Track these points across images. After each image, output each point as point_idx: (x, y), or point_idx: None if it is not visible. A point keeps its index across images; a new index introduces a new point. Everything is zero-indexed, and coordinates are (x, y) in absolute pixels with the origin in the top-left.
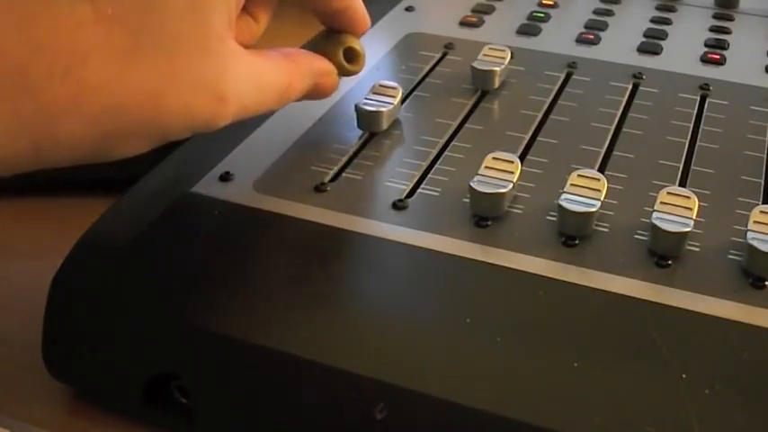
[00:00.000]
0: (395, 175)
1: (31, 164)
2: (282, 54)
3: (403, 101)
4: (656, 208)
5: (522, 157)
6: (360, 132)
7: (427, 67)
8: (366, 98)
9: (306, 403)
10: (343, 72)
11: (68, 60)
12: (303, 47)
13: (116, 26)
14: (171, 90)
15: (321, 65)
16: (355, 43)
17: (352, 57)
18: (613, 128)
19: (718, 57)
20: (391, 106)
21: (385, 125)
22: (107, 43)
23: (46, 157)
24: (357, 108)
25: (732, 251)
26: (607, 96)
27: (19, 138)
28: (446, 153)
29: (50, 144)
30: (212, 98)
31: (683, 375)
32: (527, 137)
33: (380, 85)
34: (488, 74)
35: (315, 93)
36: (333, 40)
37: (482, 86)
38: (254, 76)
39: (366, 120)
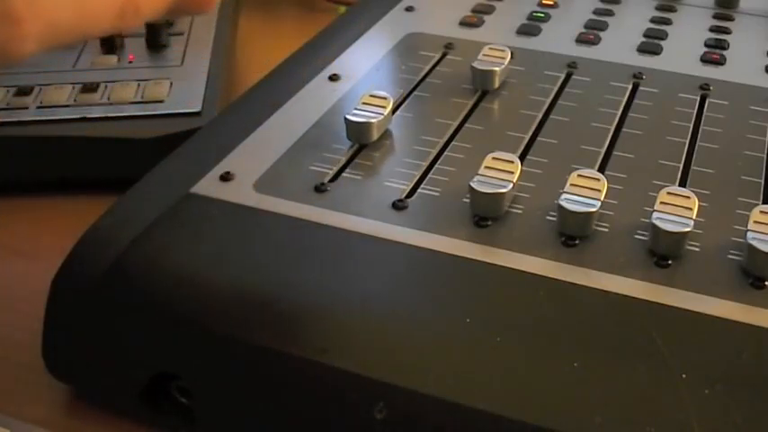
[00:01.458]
0: (395, 175)
1: None
2: None
3: (403, 101)
4: (656, 208)
5: (522, 157)
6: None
7: (427, 67)
8: (355, 109)
9: (306, 403)
10: None
11: None
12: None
13: None
14: None
15: None
16: None
17: None
18: (613, 128)
19: (718, 57)
20: (381, 117)
21: (375, 136)
22: None
23: None
24: (346, 119)
25: (732, 251)
26: (607, 96)
27: None
28: (446, 153)
29: None
30: (1, 19)
31: (683, 375)
32: (527, 137)
33: (371, 96)
34: (488, 74)
35: (184, 5)
36: None
37: (482, 86)
38: None
39: (355, 131)
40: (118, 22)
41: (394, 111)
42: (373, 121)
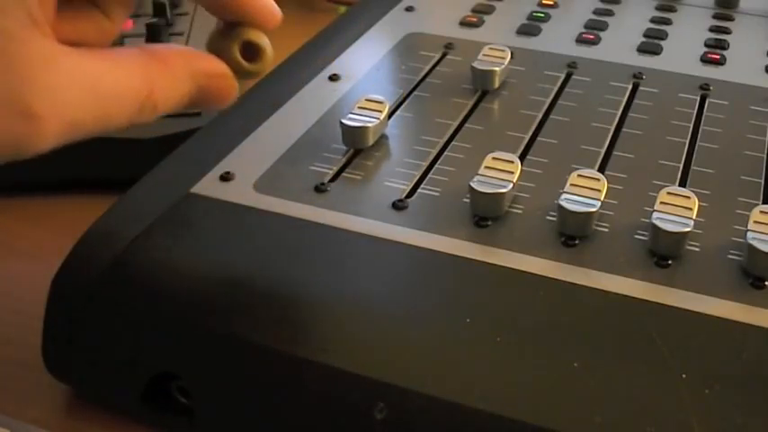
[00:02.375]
0: (395, 175)
1: None
2: (144, 53)
3: (403, 101)
4: (656, 208)
5: (522, 157)
6: None
7: (427, 67)
8: (351, 113)
9: (306, 403)
10: (242, 72)
11: None
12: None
13: None
14: None
15: (206, 65)
16: (257, 36)
17: (254, 53)
18: (613, 128)
19: (718, 57)
20: (377, 121)
21: (371, 141)
22: None
23: None
24: (341, 124)
25: (732, 251)
26: (607, 96)
27: None
28: (446, 153)
29: None
30: (15, 115)
31: (683, 375)
32: (527, 137)
33: (366, 100)
34: (488, 74)
35: (203, 99)
36: (227, 34)
37: (482, 86)
38: (86, 82)
39: (350, 136)
40: (136, 117)
41: (394, 111)
42: (369, 125)
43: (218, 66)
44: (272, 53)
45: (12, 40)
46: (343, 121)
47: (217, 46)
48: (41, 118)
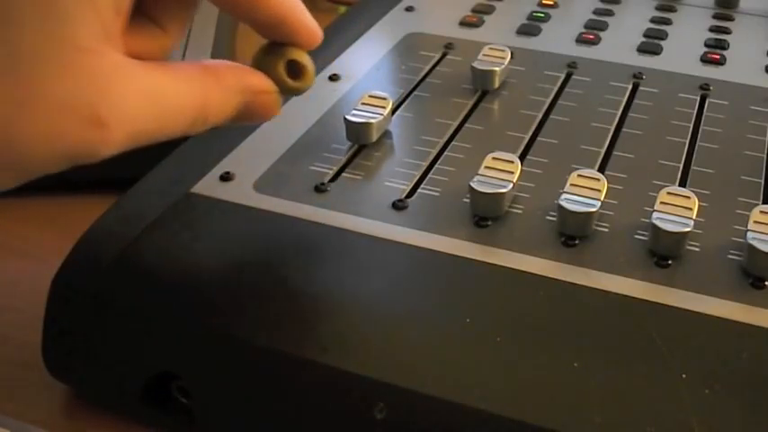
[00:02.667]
0: (395, 175)
1: None
2: (199, 67)
3: (403, 101)
4: (656, 208)
5: (522, 157)
6: None
7: (427, 67)
8: (355, 109)
9: (306, 403)
10: (286, 89)
11: None
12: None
13: None
14: (26, 116)
15: (254, 80)
16: (300, 56)
17: (297, 71)
18: (613, 128)
19: (718, 57)
20: (381, 117)
21: (374, 137)
22: None
23: None
24: (345, 120)
25: (732, 251)
26: (607, 96)
27: None
28: (446, 153)
29: None
30: (86, 123)
31: (683, 375)
32: (527, 137)
33: (370, 96)
34: (488, 74)
35: (249, 114)
36: (273, 52)
37: (482, 86)
38: (149, 94)
39: (355, 131)
40: (188, 129)
41: (394, 111)
42: (373, 121)
43: (265, 82)
44: (314, 71)
45: (88, 53)
46: (347, 116)
47: (263, 63)
48: (109, 126)
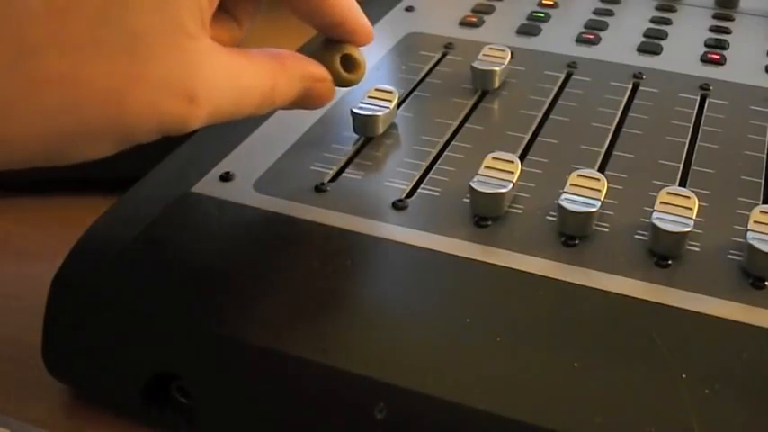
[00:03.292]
0: (395, 175)
1: None
2: (268, 54)
3: (403, 101)
4: (656, 208)
5: (522, 157)
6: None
7: (427, 67)
8: (362, 102)
9: (306, 403)
10: (340, 81)
11: (16, 52)
12: (300, 51)
13: (70, 19)
14: (135, 89)
15: (314, 69)
16: (355, 51)
17: (351, 65)
18: (613, 128)
19: (718, 57)
20: (387, 110)
21: (381, 129)
22: (60, 36)
23: None
24: (352, 112)
25: (732, 251)
26: (607, 96)
27: None
28: (446, 153)
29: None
30: (181, 98)
31: (683, 375)
32: (527, 137)
33: (376, 89)
34: (488, 74)
35: (306, 100)
36: (331, 47)
37: (482, 86)
38: (231, 76)
39: (362, 124)
40: (257, 110)
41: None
42: (379, 114)
43: (323, 71)
44: (365, 66)
45: (189, 38)
46: (354, 109)
47: (321, 56)
48: (199, 102)
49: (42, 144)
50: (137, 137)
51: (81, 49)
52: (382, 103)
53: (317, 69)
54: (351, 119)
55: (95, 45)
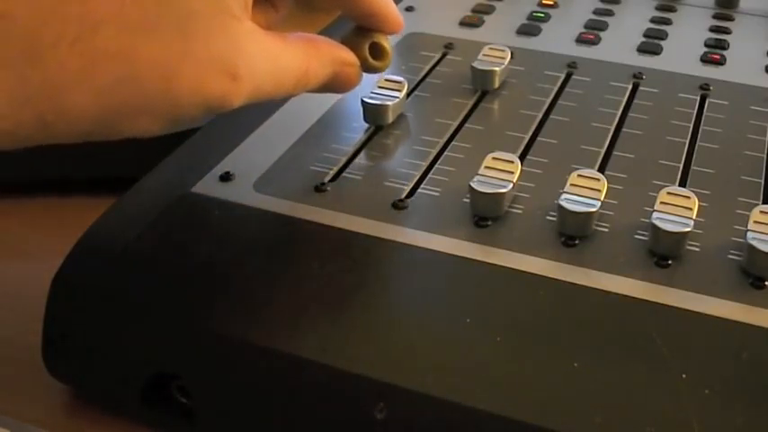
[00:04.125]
0: (395, 175)
1: (35, 138)
2: (303, 39)
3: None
4: (656, 208)
5: (522, 157)
6: (361, 129)
7: (427, 67)
8: (372, 92)
9: (306, 403)
10: (367, 66)
11: (78, 29)
12: (329, 35)
13: None
14: (185, 66)
15: (343, 54)
16: (383, 40)
17: (379, 53)
18: (613, 128)
19: (718, 57)
20: (397, 100)
21: (391, 118)
22: (120, 14)
23: (51, 131)
24: (363, 102)
25: (732, 251)
26: (607, 96)
27: (23, 109)
28: (446, 153)
29: (56, 117)
30: (226, 76)
31: (683, 375)
32: (527, 137)
33: (386, 80)
34: (488, 74)
35: (335, 83)
36: (360, 34)
37: (482, 86)
38: (270, 56)
39: (372, 113)
40: (292, 90)
41: None
42: (389, 103)
43: (352, 57)
44: (392, 55)
45: (232, 18)
46: (365, 99)
47: (351, 42)
48: (242, 80)
49: (98, 118)
50: (183, 113)
51: (138, 27)
52: (392, 93)
53: (347, 54)
54: (351, 116)
55: (151, 23)
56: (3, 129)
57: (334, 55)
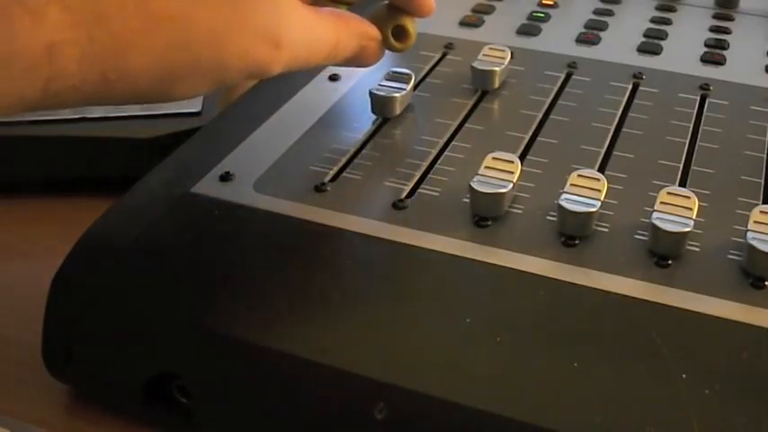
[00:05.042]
0: (395, 175)
1: (97, 96)
2: (333, 13)
3: None
4: (656, 208)
5: (522, 157)
6: (361, 128)
7: (427, 67)
8: (380, 84)
9: (306, 403)
10: (388, 45)
11: None
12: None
13: None
14: (233, 32)
15: (369, 29)
16: (408, 23)
17: (402, 35)
18: (613, 128)
19: (718, 57)
20: (404, 92)
21: (398, 110)
22: None
23: (112, 90)
24: (371, 93)
25: (732, 251)
26: (607, 96)
27: (91, 66)
28: (446, 153)
29: (117, 75)
30: (269, 43)
31: (683, 375)
32: (527, 137)
33: (393, 72)
34: (488, 74)
35: (360, 56)
36: (389, 14)
37: (482, 86)
38: (306, 27)
39: (380, 105)
40: (322, 61)
41: None
42: (396, 95)
43: (376, 32)
44: (415, 38)
45: None
46: (373, 90)
47: (377, 20)
48: (283, 47)
49: (154, 78)
50: (229, 77)
51: None
52: (399, 85)
53: (372, 30)
54: (351, 116)
55: None
56: (70, 85)
57: (361, 29)
